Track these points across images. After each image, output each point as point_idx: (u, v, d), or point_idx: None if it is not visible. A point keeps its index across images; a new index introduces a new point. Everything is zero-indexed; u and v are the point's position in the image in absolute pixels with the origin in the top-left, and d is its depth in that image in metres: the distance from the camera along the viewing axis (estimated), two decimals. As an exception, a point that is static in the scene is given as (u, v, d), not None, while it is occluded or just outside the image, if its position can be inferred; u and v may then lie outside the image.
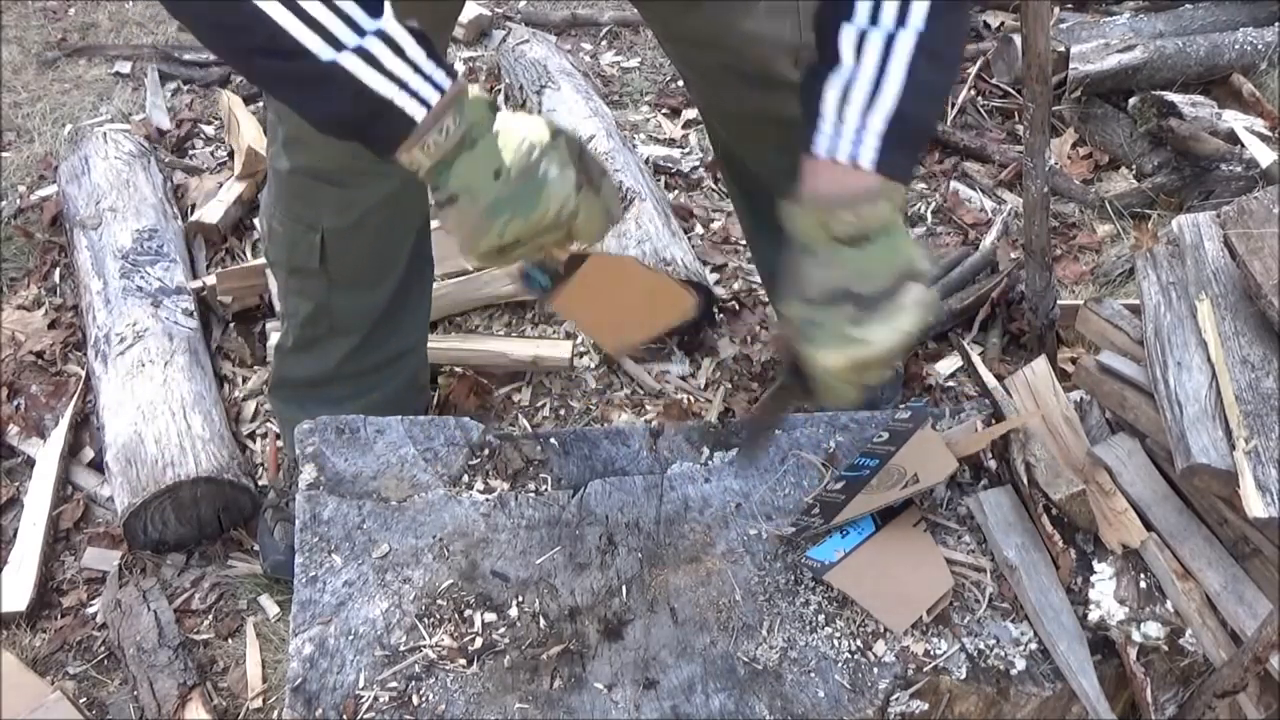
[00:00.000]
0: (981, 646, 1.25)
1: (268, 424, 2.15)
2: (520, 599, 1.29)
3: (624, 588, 1.30)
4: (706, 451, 1.47)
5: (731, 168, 1.99)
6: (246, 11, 1.07)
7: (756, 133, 1.79)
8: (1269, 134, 2.62)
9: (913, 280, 1.16)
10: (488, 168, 1.15)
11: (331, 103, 1.11)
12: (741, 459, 1.44)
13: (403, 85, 1.11)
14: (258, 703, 1.74)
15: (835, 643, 1.25)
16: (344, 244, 1.69)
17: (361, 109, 1.11)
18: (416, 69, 1.12)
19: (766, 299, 2.39)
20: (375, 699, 1.19)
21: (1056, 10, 3.15)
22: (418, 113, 1.12)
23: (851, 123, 1.15)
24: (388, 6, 1.12)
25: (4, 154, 2.90)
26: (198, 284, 2.35)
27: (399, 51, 1.11)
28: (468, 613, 1.27)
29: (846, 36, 1.16)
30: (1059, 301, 2.10)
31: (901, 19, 1.14)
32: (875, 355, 1.16)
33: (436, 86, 1.13)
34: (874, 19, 1.15)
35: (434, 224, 1.83)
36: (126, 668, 1.77)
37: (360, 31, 1.09)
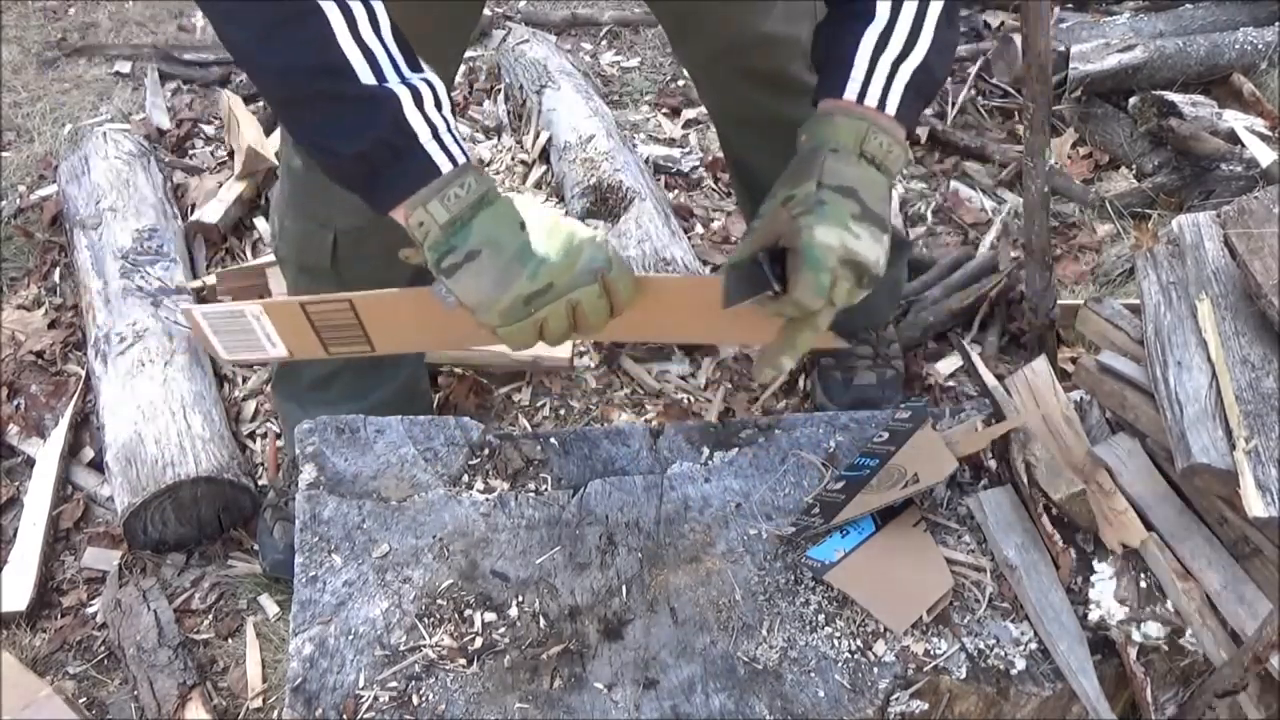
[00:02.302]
0: (981, 646, 1.25)
1: (268, 424, 2.15)
2: (520, 599, 1.29)
3: (624, 588, 1.30)
4: (706, 451, 1.47)
5: (740, 173, 1.99)
6: (309, 19, 1.08)
7: (767, 136, 1.78)
8: (1269, 134, 2.62)
9: (889, 224, 1.19)
10: (512, 221, 1.14)
11: (363, 128, 1.10)
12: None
13: (435, 133, 1.12)
14: (258, 703, 1.74)
15: (835, 643, 1.25)
16: (357, 244, 1.69)
17: (391, 141, 1.10)
18: (449, 126, 1.14)
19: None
20: (375, 699, 1.19)
21: (1056, 10, 3.15)
22: (444, 164, 1.12)
23: (884, 71, 1.20)
24: (425, 66, 1.14)
25: (4, 154, 2.90)
26: (198, 284, 2.35)
27: (438, 104, 1.13)
28: (468, 613, 1.27)
29: None
30: (1059, 301, 2.10)
31: None
32: (862, 256, 1.15)
33: (462, 150, 1.14)
34: None
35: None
36: (126, 667, 1.77)
37: (401, 75, 1.12)
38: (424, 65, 1.15)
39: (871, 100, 1.20)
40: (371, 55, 1.10)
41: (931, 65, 1.21)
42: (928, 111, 2.93)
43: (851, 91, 1.20)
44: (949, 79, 2.90)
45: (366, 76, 1.10)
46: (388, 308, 1.29)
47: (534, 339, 1.17)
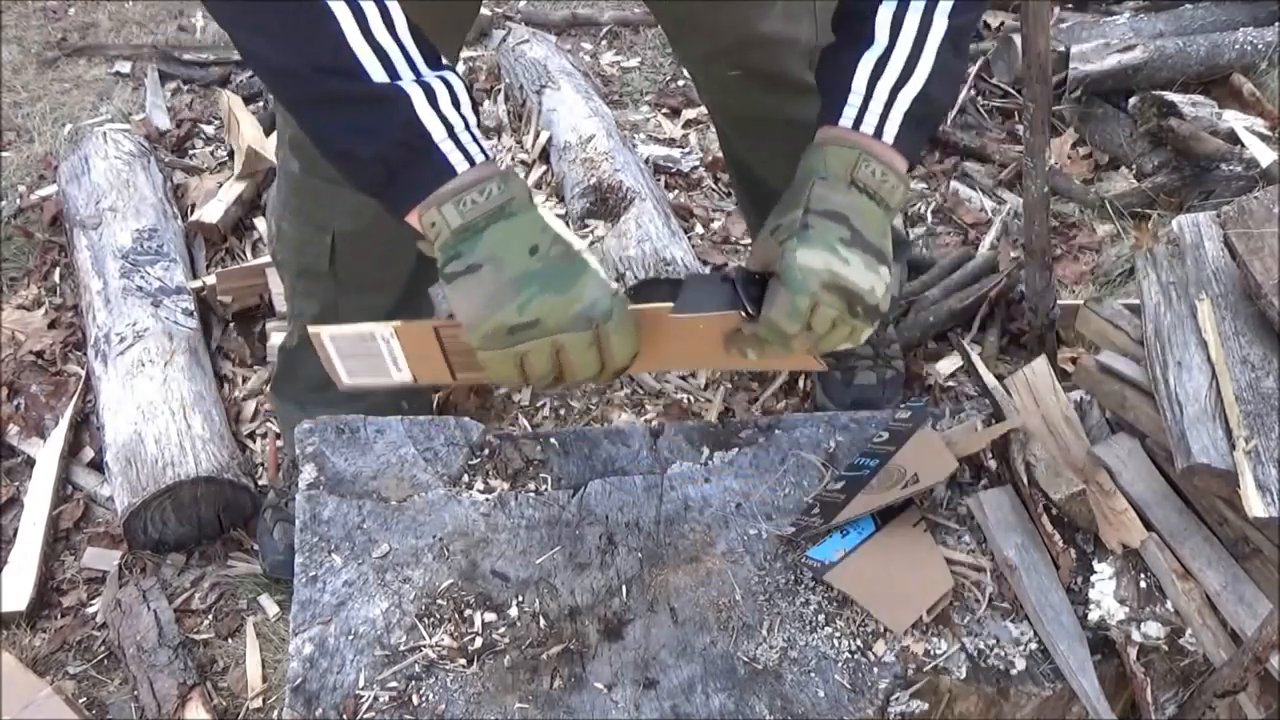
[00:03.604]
0: (981, 646, 1.25)
1: (268, 424, 2.15)
2: (520, 599, 1.29)
3: (624, 588, 1.30)
4: (706, 451, 1.47)
5: (740, 173, 1.99)
6: (319, 19, 1.06)
7: (767, 137, 1.79)
8: (1269, 134, 2.62)
9: (888, 258, 1.16)
10: (524, 241, 1.09)
11: (377, 129, 1.08)
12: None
13: (452, 131, 1.09)
14: (258, 703, 1.74)
15: (835, 643, 1.25)
16: (355, 247, 1.68)
17: (406, 142, 1.08)
18: (468, 125, 1.11)
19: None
20: (375, 699, 1.19)
21: (1056, 10, 3.15)
22: (460, 164, 1.09)
23: (881, 97, 1.17)
24: (447, 63, 1.12)
25: (4, 154, 2.90)
26: (198, 284, 2.35)
27: (455, 101, 1.10)
28: (468, 613, 1.27)
29: (883, 17, 1.18)
30: (1059, 301, 2.10)
31: (933, 3, 1.17)
32: (849, 282, 1.11)
33: (482, 150, 1.11)
34: (905, 4, 1.17)
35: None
36: (126, 667, 1.77)
37: (417, 72, 1.09)
38: (446, 62, 1.12)
39: (868, 127, 1.18)
40: (384, 54, 1.08)
41: (932, 94, 1.18)
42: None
43: (848, 118, 1.18)
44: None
45: (378, 75, 1.07)
46: None
47: (515, 374, 1.11)
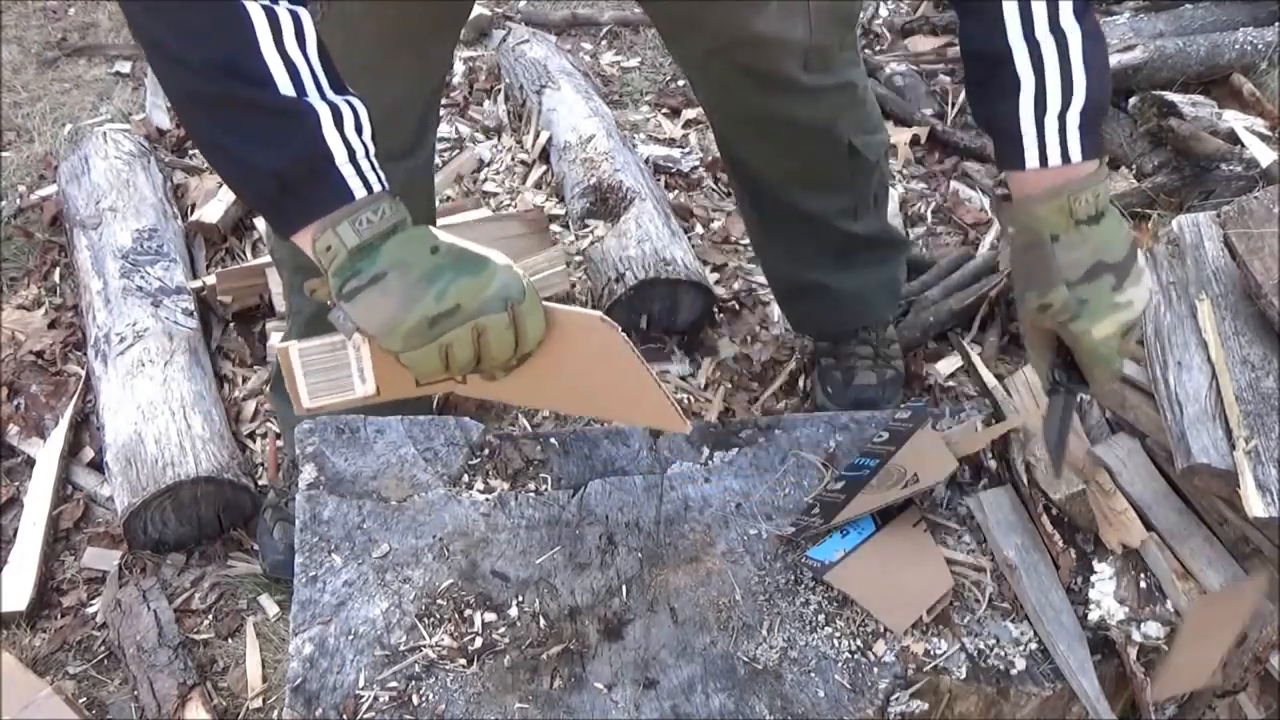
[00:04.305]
0: (981, 646, 1.25)
1: (268, 424, 2.15)
2: (520, 599, 1.29)
3: (624, 588, 1.30)
4: (706, 451, 1.47)
5: (737, 172, 1.99)
6: (233, 20, 1.03)
7: (763, 136, 1.79)
8: (1269, 134, 2.62)
9: (1136, 244, 1.23)
10: (423, 245, 1.10)
11: (278, 142, 1.05)
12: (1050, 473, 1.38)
13: (353, 156, 1.08)
14: (258, 703, 1.74)
15: (835, 643, 1.25)
16: None
17: (306, 160, 1.06)
18: (368, 152, 1.10)
19: (766, 299, 2.39)
20: (375, 699, 1.19)
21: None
22: (358, 190, 1.08)
23: (1053, 129, 1.21)
24: (352, 91, 1.11)
25: (4, 154, 2.90)
26: (198, 284, 2.35)
27: (359, 127, 1.09)
28: (468, 613, 1.27)
29: (1021, 61, 1.20)
30: (1059, 301, 2.09)
31: (1056, 16, 1.19)
32: (1137, 314, 1.22)
33: (380, 180, 1.10)
34: (1032, 30, 1.19)
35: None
36: (126, 667, 1.77)
37: (323, 92, 1.07)
38: (349, 89, 1.11)
39: (1054, 160, 1.21)
40: (294, 67, 1.05)
41: (1094, 97, 1.21)
42: (927, 111, 2.93)
43: (1031, 159, 1.21)
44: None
45: (286, 88, 1.05)
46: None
47: (440, 367, 1.12)
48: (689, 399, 2.19)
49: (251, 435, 2.15)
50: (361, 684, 1.20)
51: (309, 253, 1.10)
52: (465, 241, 1.13)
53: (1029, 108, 1.20)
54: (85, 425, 2.18)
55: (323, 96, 1.07)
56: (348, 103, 1.09)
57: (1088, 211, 1.20)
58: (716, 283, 2.43)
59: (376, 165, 1.11)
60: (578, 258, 2.43)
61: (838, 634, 1.25)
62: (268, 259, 2.32)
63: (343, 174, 1.07)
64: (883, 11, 3.45)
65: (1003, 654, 1.25)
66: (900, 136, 2.83)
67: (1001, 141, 1.24)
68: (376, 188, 1.09)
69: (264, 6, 1.04)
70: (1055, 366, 1.28)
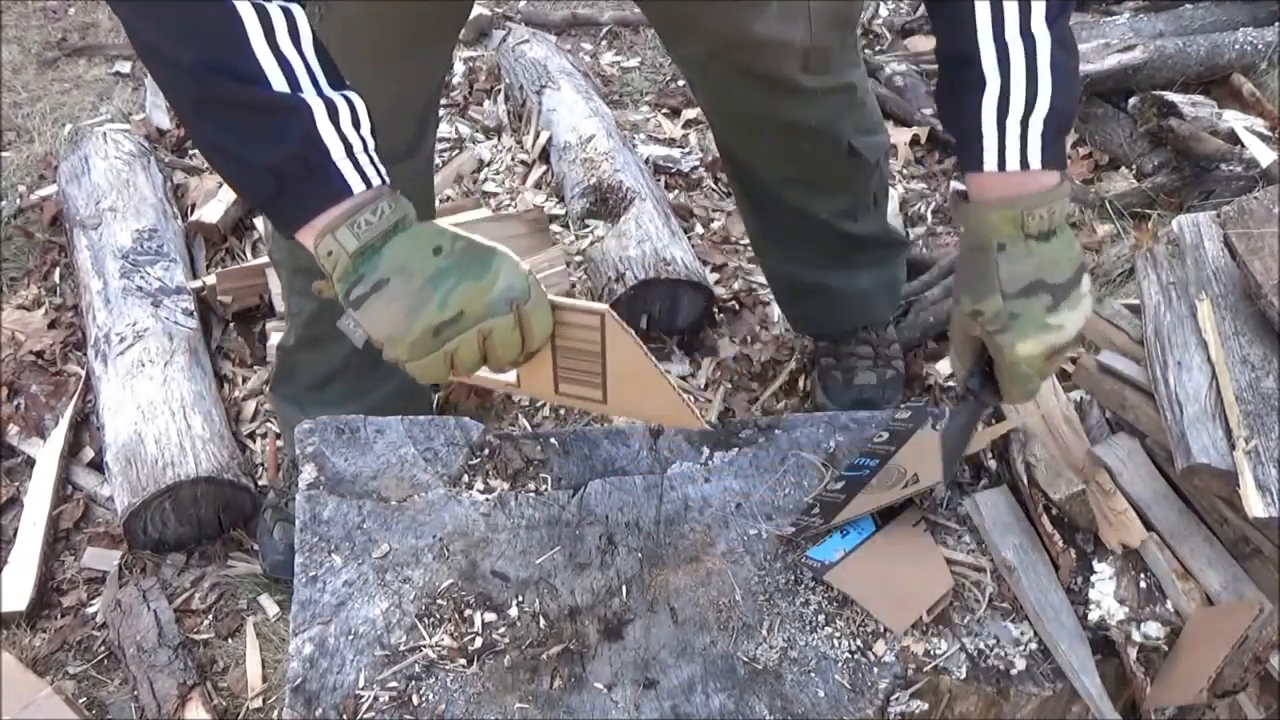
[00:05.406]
0: (981, 646, 1.25)
1: (268, 424, 2.15)
2: (520, 599, 1.29)
3: (624, 588, 1.30)
4: (706, 451, 1.47)
5: (737, 173, 1.99)
6: (224, 19, 1.03)
7: (763, 136, 1.79)
8: (1269, 134, 2.62)
9: (1083, 268, 1.22)
10: (425, 246, 1.08)
11: (273, 138, 1.04)
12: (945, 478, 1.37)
13: (350, 151, 1.07)
14: (258, 703, 1.74)
15: (835, 643, 1.25)
16: None
17: (302, 155, 1.05)
18: (365, 146, 1.09)
19: (766, 299, 2.39)
20: (375, 699, 1.19)
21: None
22: (356, 184, 1.07)
23: (1014, 132, 1.19)
24: (349, 85, 1.10)
25: (4, 154, 2.90)
26: (198, 284, 2.35)
27: (356, 121, 1.08)
28: (468, 613, 1.27)
29: (988, 60, 1.18)
30: (1059, 301, 2.09)
31: (1028, 20, 1.17)
32: (1068, 340, 1.20)
33: (379, 173, 1.09)
34: (1001, 32, 1.17)
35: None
36: (126, 667, 1.77)
37: (318, 88, 1.07)
38: (347, 83, 1.10)
39: (1012, 164, 1.19)
40: (287, 64, 1.05)
41: (1059, 106, 1.19)
42: (927, 111, 2.93)
43: (990, 161, 1.20)
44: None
45: (279, 84, 1.04)
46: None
47: (445, 371, 1.12)
48: (689, 399, 2.18)
49: (251, 435, 2.15)
50: (361, 684, 1.20)
51: (314, 256, 1.10)
52: (469, 234, 1.12)
53: (991, 109, 1.18)
54: (85, 425, 2.18)
55: (319, 92, 1.06)
56: (345, 98, 1.08)
57: (1040, 227, 1.18)
58: (716, 283, 2.43)
59: (376, 160, 1.10)
60: (578, 258, 2.43)
61: (838, 634, 1.25)
62: (267, 259, 2.32)
63: (340, 169, 1.07)
64: (883, 11, 3.45)
65: (1003, 654, 1.25)
66: (900, 136, 2.83)
67: (962, 142, 1.22)
68: (376, 182, 1.09)
69: (255, 5, 1.04)
70: (973, 373, 1.26)
